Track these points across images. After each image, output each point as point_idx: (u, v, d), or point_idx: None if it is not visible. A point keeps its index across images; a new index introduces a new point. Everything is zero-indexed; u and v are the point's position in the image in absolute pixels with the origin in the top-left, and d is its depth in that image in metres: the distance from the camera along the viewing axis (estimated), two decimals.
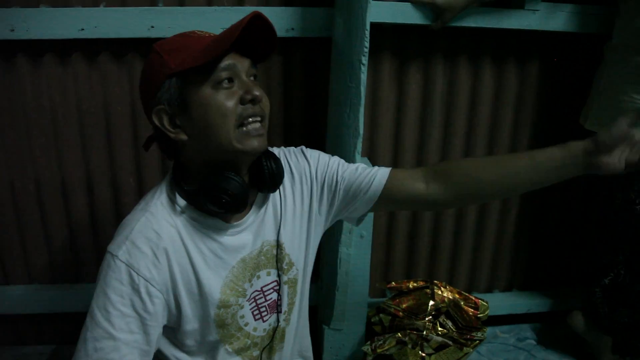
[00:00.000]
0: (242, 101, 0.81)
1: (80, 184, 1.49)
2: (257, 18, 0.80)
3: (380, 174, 0.96)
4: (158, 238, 0.82)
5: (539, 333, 1.78)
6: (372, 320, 1.56)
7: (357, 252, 1.46)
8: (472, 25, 1.44)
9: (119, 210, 1.53)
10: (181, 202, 0.86)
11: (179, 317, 0.87)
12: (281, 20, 1.38)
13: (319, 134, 1.53)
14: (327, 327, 1.53)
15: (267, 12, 1.35)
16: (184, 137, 0.82)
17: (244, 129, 0.82)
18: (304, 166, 0.99)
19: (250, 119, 0.82)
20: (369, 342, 1.49)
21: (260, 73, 1.42)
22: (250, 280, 0.92)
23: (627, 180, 1.41)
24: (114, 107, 1.44)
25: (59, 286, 1.57)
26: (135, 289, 0.79)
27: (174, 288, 0.84)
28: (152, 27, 1.34)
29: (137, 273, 0.79)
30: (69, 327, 1.61)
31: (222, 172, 0.82)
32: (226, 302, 0.89)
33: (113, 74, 1.41)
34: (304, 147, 1.02)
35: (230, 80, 0.81)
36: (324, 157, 1.01)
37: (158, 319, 0.82)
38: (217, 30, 1.33)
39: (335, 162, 1.00)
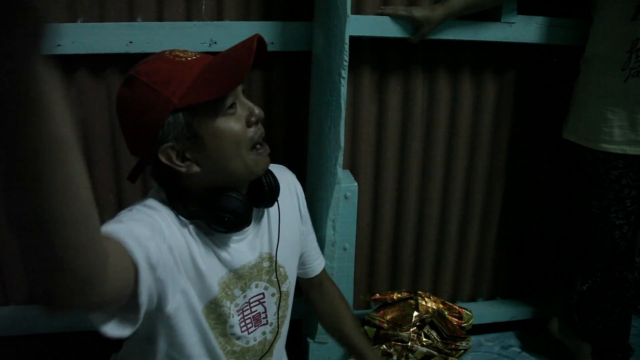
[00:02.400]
0: (247, 124, 0.82)
1: None
2: (260, 41, 0.80)
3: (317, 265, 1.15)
4: (161, 225, 0.78)
5: (523, 340, 1.79)
6: None
7: (340, 264, 1.46)
8: (451, 37, 1.46)
9: None
10: (183, 219, 0.84)
11: (186, 297, 0.83)
12: (261, 34, 1.37)
13: (300, 148, 1.53)
14: (312, 341, 1.52)
15: (247, 26, 1.37)
16: (196, 169, 0.80)
17: (256, 151, 0.84)
18: (295, 185, 1.06)
19: (260, 141, 0.84)
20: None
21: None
22: (244, 290, 0.92)
23: (602, 189, 1.43)
24: (92, 123, 1.42)
25: (37, 307, 1.53)
26: (152, 225, 0.75)
27: (175, 266, 0.80)
28: (131, 42, 1.33)
29: (154, 219, 0.77)
30: (48, 348, 1.58)
31: (224, 191, 0.82)
32: (220, 301, 0.88)
33: (91, 90, 1.40)
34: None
35: (234, 104, 0.81)
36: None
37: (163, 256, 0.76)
38: (197, 47, 1.34)
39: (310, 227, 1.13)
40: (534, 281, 1.84)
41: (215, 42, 1.36)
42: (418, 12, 1.38)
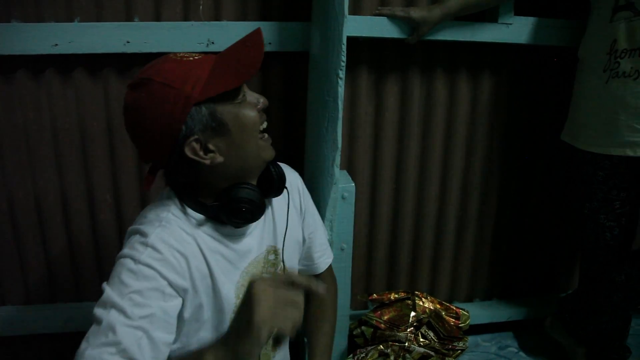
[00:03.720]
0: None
1: (55, 202, 1.46)
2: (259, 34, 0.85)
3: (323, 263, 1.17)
4: (179, 245, 0.84)
5: (520, 341, 1.79)
6: (354, 332, 1.55)
7: (337, 264, 1.45)
8: (448, 38, 1.46)
9: (95, 227, 1.50)
10: (197, 216, 0.88)
11: (199, 324, 0.88)
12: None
13: (297, 148, 1.53)
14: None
15: (245, 26, 1.37)
16: (220, 159, 0.84)
17: (263, 138, 0.89)
18: (297, 182, 1.10)
19: (265, 129, 0.90)
20: (351, 355, 1.48)
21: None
22: None
23: (592, 190, 1.43)
24: (89, 123, 1.42)
25: (33, 307, 1.53)
26: (159, 289, 0.79)
27: (194, 294, 0.86)
28: (128, 42, 1.33)
29: (160, 275, 0.79)
30: (48, 348, 1.57)
31: (238, 184, 0.86)
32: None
33: (88, 90, 1.39)
34: None
35: (244, 93, 0.86)
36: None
37: (169, 320, 0.81)
38: (194, 47, 1.34)
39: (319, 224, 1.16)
40: (531, 281, 1.84)
41: (212, 42, 1.36)
42: (415, 13, 1.39)
